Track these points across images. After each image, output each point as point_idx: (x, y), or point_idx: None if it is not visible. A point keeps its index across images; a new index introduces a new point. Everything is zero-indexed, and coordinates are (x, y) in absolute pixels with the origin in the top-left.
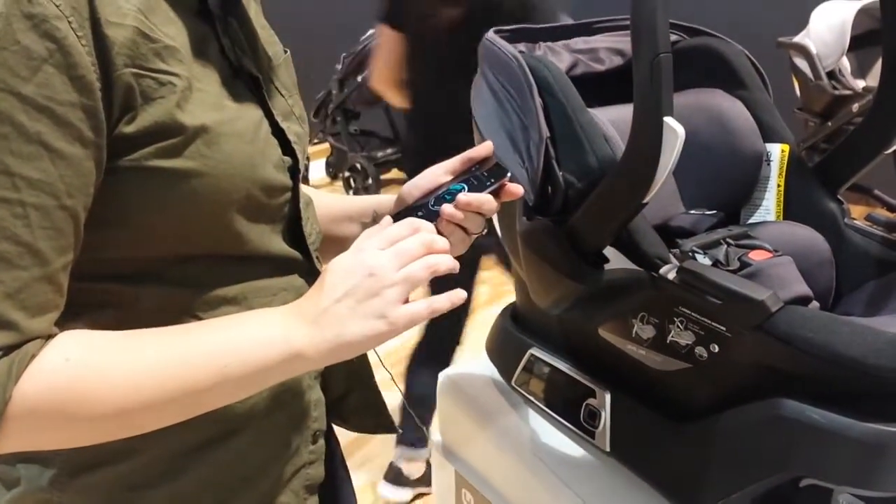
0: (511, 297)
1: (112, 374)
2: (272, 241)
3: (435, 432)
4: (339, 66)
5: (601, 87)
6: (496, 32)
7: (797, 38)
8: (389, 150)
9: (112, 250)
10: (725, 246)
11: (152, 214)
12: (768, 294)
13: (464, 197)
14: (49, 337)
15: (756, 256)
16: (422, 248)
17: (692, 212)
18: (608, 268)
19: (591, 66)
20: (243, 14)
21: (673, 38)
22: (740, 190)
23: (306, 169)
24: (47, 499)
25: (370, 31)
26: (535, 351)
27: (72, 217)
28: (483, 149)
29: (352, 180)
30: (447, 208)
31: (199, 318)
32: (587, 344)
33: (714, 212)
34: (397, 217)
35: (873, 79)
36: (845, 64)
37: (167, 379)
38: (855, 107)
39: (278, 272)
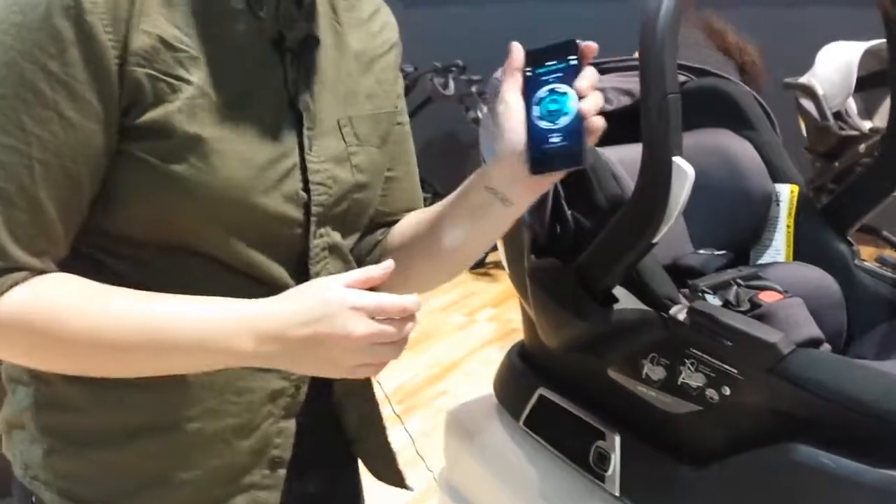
0: (519, 334)
1: (70, 316)
2: (272, 267)
3: (440, 472)
4: None
5: (609, 126)
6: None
7: (803, 79)
8: None
9: (108, 222)
10: (735, 286)
11: (139, 201)
12: (780, 337)
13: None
14: (39, 273)
15: (766, 297)
16: (401, 338)
17: (701, 251)
18: (617, 307)
19: None
20: (318, 57)
21: (681, 78)
22: (749, 230)
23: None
24: (22, 421)
25: None
26: (544, 391)
27: (72, 178)
28: (517, 52)
29: None
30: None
31: None
32: (597, 385)
33: (723, 252)
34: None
35: (880, 120)
36: (851, 105)
37: (123, 334)
38: (862, 147)
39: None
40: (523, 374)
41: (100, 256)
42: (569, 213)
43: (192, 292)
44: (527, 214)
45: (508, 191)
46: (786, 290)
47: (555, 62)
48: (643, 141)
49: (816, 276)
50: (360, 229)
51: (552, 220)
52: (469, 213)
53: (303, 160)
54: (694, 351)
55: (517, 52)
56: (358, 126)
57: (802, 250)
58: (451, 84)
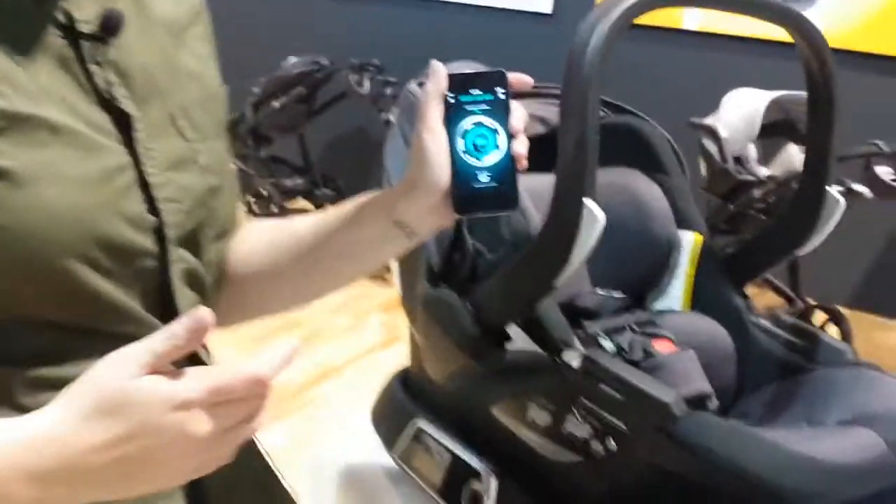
0: (403, 343)
1: None
2: (129, 314)
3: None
4: (256, 89)
5: None
6: (419, 85)
7: (708, 120)
8: (299, 180)
9: None
10: (630, 332)
11: None
12: (673, 397)
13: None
14: None
15: (660, 348)
16: (259, 409)
17: (599, 291)
18: (509, 347)
19: None
20: (124, 36)
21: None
22: (649, 274)
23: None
24: None
25: (292, 59)
26: (421, 422)
27: None
28: (442, 71)
29: (254, 206)
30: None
31: (20, 405)
32: (478, 421)
33: (621, 294)
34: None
35: (776, 168)
36: (752, 151)
37: None
38: (757, 193)
39: None
40: (402, 403)
41: None
42: (470, 242)
43: (34, 370)
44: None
45: (418, 224)
46: (679, 341)
47: (480, 92)
48: (556, 178)
49: (710, 329)
50: (210, 247)
51: (451, 247)
52: (364, 242)
53: (140, 173)
54: (583, 400)
55: (442, 74)
56: (193, 115)
57: (700, 300)
58: (367, 83)
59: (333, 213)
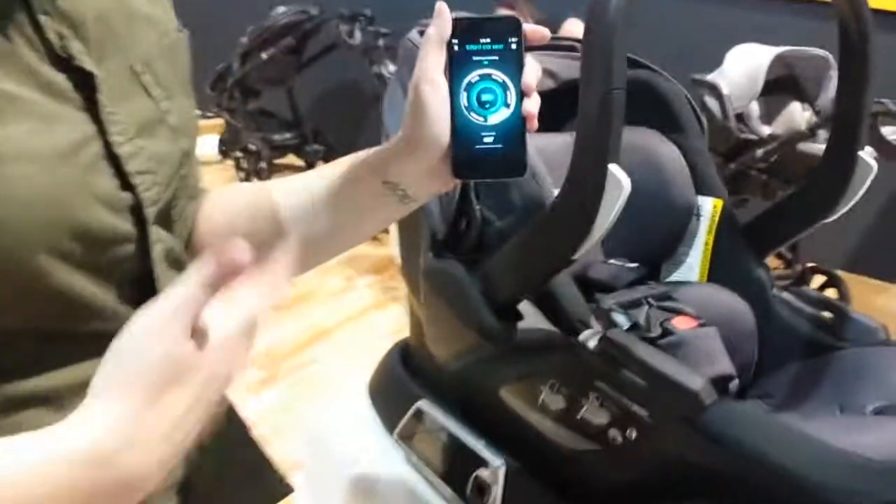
0: (400, 303)
1: None
2: (105, 310)
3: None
4: (243, 39)
5: None
6: (420, 34)
7: (710, 77)
8: (288, 135)
9: None
10: (647, 307)
11: None
12: (702, 384)
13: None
14: None
15: (680, 324)
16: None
17: (612, 262)
18: (521, 325)
19: None
20: None
21: None
22: (665, 243)
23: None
24: None
25: (280, 8)
26: (425, 404)
27: None
28: (446, 14)
29: (243, 161)
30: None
31: None
32: (484, 403)
33: (635, 265)
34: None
35: (778, 126)
36: (754, 109)
37: None
38: (759, 152)
39: None
40: (403, 381)
41: None
42: (477, 208)
43: (11, 384)
44: (429, 203)
45: (413, 187)
46: (698, 316)
47: (489, 40)
48: (577, 141)
49: (731, 302)
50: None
51: (457, 213)
52: (353, 207)
53: (107, 144)
54: (601, 385)
55: (446, 17)
56: (157, 68)
57: (718, 271)
58: (358, 34)
59: (316, 175)
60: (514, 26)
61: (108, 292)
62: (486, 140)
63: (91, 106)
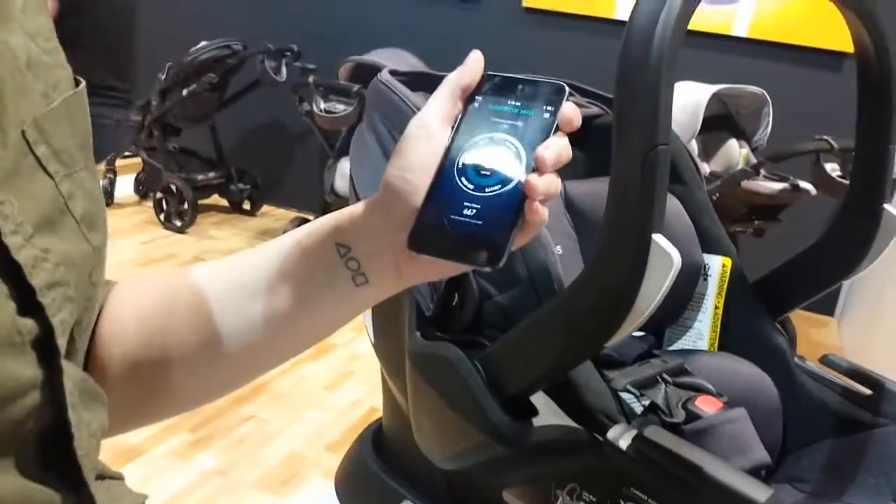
0: (342, 352)
1: None
2: (5, 498)
3: None
4: (162, 76)
5: None
6: (392, 74)
7: None
8: (212, 174)
9: None
10: (664, 385)
11: None
12: (768, 496)
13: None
14: None
15: (704, 405)
16: None
17: None
18: (536, 422)
19: None
20: None
21: (594, 109)
22: (671, 306)
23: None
24: None
25: (202, 43)
26: None
27: None
28: (474, 64)
29: (164, 202)
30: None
31: None
32: None
33: (642, 333)
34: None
35: (717, 164)
36: (693, 146)
37: None
38: None
39: None
40: (379, 477)
41: None
42: (473, 279)
43: None
44: None
45: (366, 254)
46: (721, 394)
47: (520, 104)
48: (610, 207)
49: (752, 376)
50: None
51: (449, 285)
52: (297, 281)
53: (1, 248)
54: (635, 492)
55: (472, 67)
56: (51, 134)
57: (729, 337)
58: (284, 70)
59: (254, 252)
60: (558, 93)
61: (7, 471)
62: (465, 212)
63: None
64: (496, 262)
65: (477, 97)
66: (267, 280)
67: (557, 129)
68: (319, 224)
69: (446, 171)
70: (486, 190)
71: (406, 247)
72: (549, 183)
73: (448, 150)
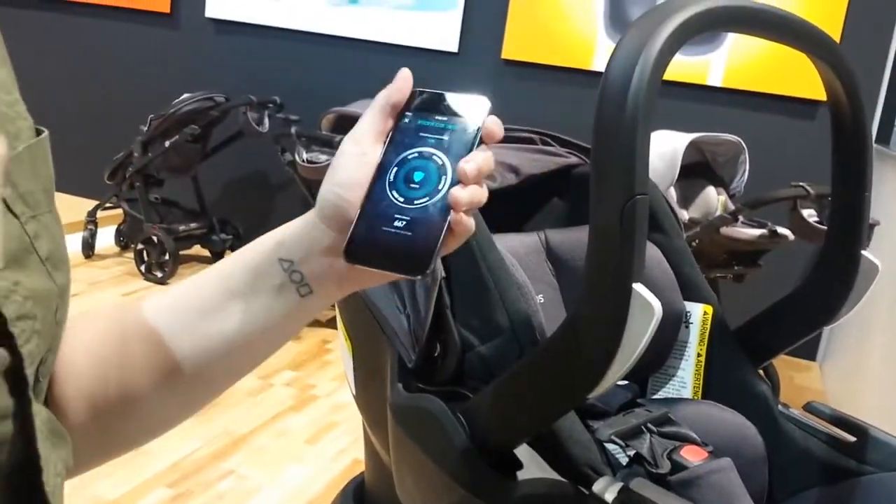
0: (322, 403)
1: None
2: None
3: None
4: (144, 128)
5: (489, 207)
6: None
7: None
8: (193, 224)
9: None
10: (648, 435)
11: None
12: None
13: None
14: None
15: (690, 455)
16: None
17: None
18: (521, 476)
19: None
20: None
21: (572, 159)
22: (653, 354)
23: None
24: None
25: (184, 95)
26: None
27: None
28: (403, 82)
29: (145, 253)
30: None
31: None
32: None
33: (626, 382)
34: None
35: (695, 211)
36: (672, 194)
37: None
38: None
39: None
40: None
41: None
42: (455, 329)
43: None
44: (394, 324)
45: (309, 268)
46: (706, 443)
47: (446, 118)
48: (590, 257)
49: (737, 424)
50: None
51: (431, 336)
52: (244, 297)
53: None
54: None
55: (400, 86)
56: (17, 179)
57: (712, 385)
58: (266, 121)
59: (206, 274)
60: (481, 108)
61: None
62: (395, 224)
63: None
64: (424, 271)
65: (407, 113)
66: (215, 300)
67: (481, 141)
68: (262, 241)
69: (378, 185)
70: (415, 202)
71: (342, 258)
72: (472, 194)
73: (380, 164)
